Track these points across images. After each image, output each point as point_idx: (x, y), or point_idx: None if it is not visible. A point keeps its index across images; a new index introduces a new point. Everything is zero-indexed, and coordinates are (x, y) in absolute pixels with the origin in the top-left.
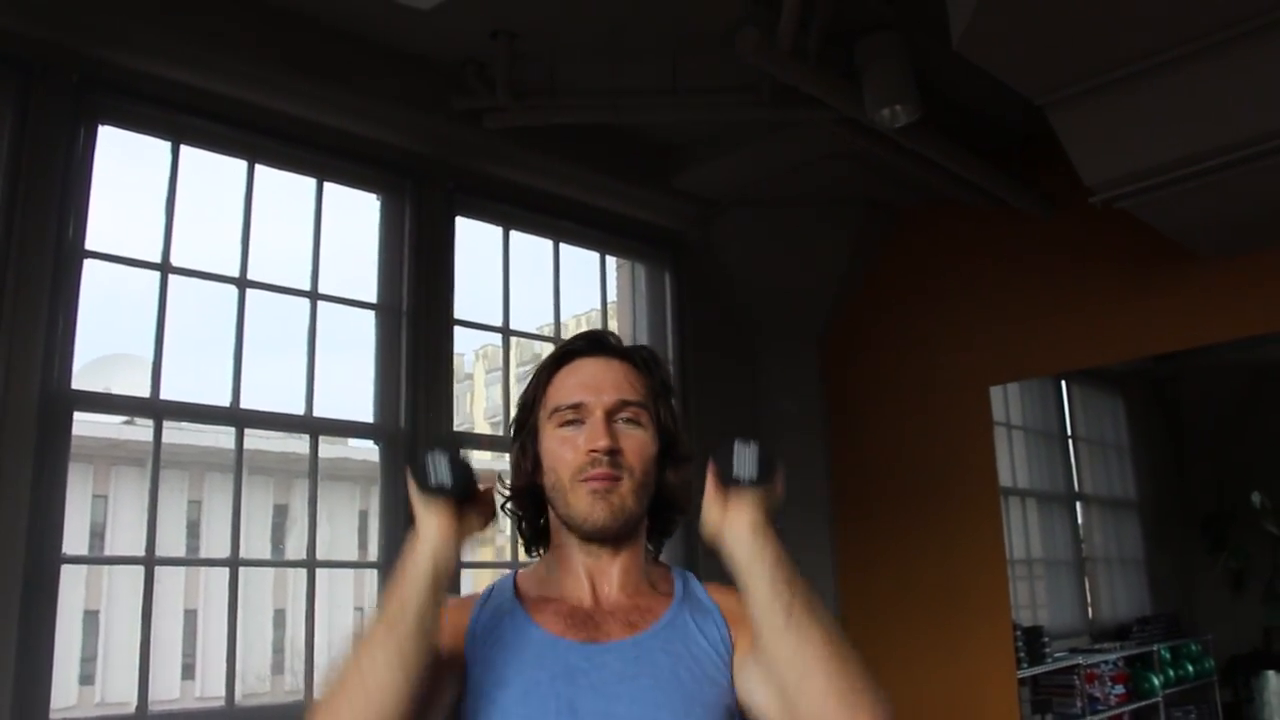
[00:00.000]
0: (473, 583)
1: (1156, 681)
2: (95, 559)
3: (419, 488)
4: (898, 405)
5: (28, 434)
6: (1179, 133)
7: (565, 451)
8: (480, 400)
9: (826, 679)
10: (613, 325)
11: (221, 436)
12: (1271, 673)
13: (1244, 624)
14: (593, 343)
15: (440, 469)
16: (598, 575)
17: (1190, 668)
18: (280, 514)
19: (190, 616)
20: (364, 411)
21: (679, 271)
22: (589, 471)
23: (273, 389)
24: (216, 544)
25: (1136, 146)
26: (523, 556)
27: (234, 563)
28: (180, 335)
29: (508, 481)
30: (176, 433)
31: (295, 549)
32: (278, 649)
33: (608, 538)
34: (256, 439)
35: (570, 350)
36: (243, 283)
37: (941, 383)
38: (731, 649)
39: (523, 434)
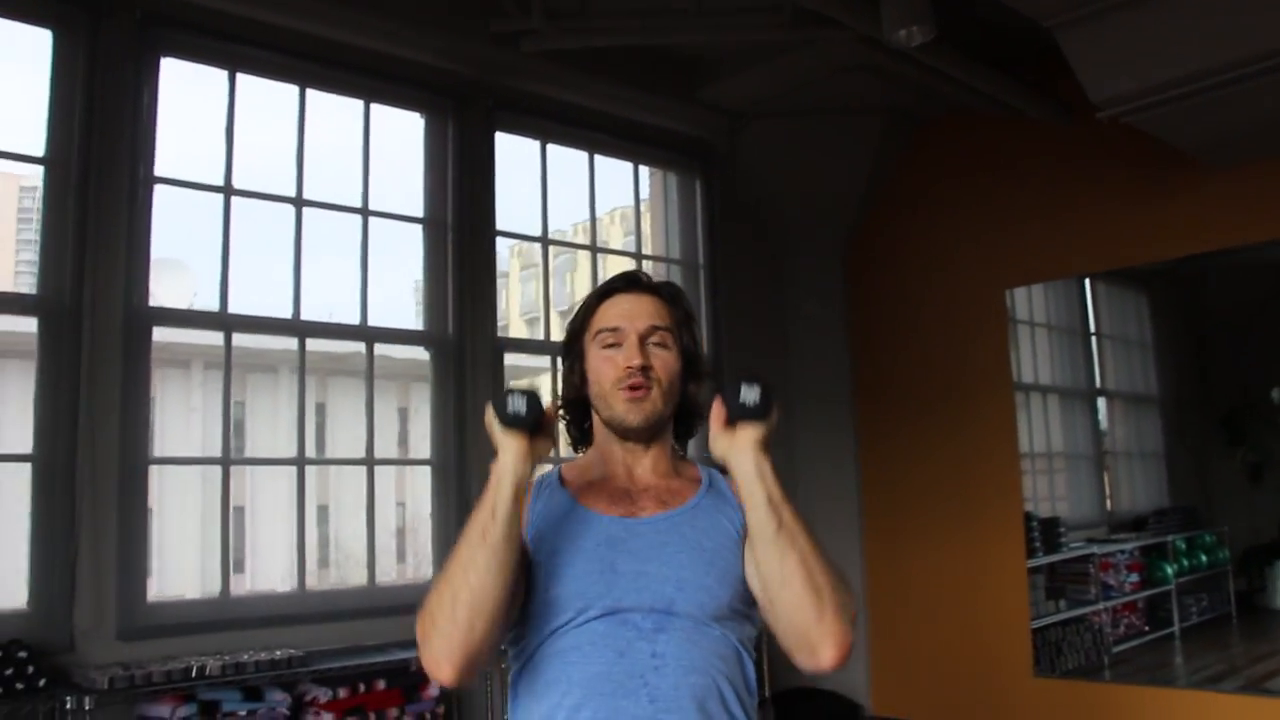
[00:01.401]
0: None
1: (1170, 570)
2: (178, 460)
3: (500, 421)
4: (918, 308)
5: (115, 348)
6: (1180, 52)
7: (607, 367)
8: (516, 298)
9: (801, 586)
10: (645, 228)
11: (265, 340)
12: None
13: (1260, 516)
14: (629, 281)
15: (518, 405)
16: (633, 464)
17: (1204, 558)
18: (320, 413)
19: (239, 514)
20: (405, 318)
21: (708, 180)
22: (626, 382)
23: (322, 298)
24: (263, 444)
25: (1140, 65)
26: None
27: (300, 461)
28: (241, 251)
29: (559, 399)
30: (217, 336)
31: (337, 447)
32: (324, 543)
33: (641, 435)
34: (281, 340)
35: (611, 288)
36: (299, 202)
37: (960, 286)
38: (743, 525)
39: (572, 355)
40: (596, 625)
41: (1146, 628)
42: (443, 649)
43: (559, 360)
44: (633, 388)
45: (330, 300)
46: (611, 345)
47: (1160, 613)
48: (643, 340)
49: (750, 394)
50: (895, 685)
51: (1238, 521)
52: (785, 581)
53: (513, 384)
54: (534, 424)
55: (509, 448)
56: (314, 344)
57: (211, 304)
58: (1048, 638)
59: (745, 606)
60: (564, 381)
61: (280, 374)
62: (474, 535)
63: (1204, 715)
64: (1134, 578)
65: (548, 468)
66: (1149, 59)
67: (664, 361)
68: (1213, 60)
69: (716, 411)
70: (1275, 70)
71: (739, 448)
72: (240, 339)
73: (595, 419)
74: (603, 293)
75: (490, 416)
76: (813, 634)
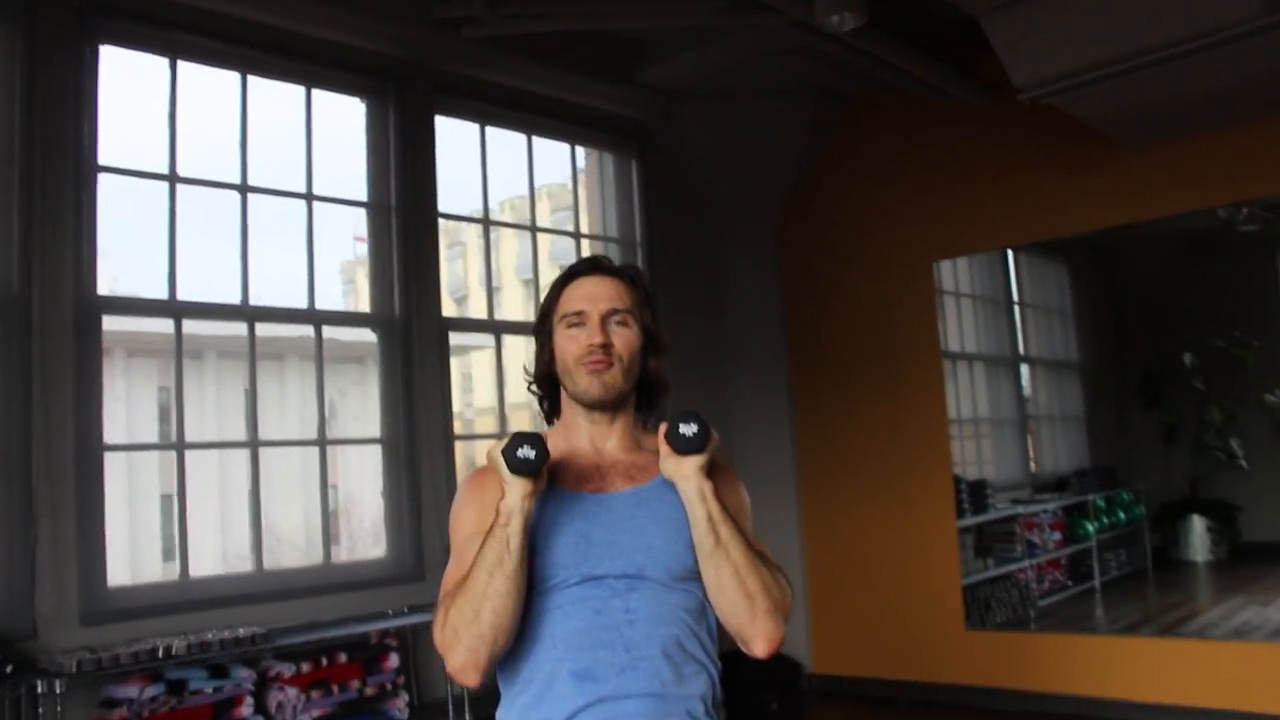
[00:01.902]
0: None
1: (1091, 528)
2: (131, 446)
3: (510, 468)
4: (850, 280)
5: (65, 337)
6: (1098, 38)
7: (571, 346)
8: (444, 277)
9: (735, 593)
10: (571, 205)
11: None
12: (1196, 516)
13: (1174, 474)
14: (592, 265)
15: (527, 453)
16: (598, 437)
17: (1122, 515)
18: (247, 398)
19: (168, 501)
20: (333, 299)
21: (644, 160)
22: (588, 358)
23: (271, 282)
24: (190, 429)
25: (1060, 50)
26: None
27: (254, 444)
28: (186, 239)
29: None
30: (137, 322)
31: (266, 429)
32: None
33: (604, 406)
34: (216, 326)
35: (575, 272)
36: (244, 188)
37: (889, 258)
38: None
39: (541, 335)
40: (574, 590)
41: (1069, 582)
42: (470, 660)
43: (501, 337)
44: (595, 363)
45: (259, 283)
46: (575, 325)
47: (1082, 568)
48: (604, 320)
49: (688, 429)
50: (834, 644)
51: (1153, 480)
52: (721, 589)
53: (517, 431)
54: (539, 469)
55: (516, 487)
56: (231, 328)
57: (146, 291)
58: (977, 594)
59: None
60: (535, 359)
61: (205, 359)
62: (491, 562)
63: (1123, 658)
64: (1057, 535)
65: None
66: (1068, 44)
67: (625, 339)
68: (1128, 46)
69: (663, 439)
70: (1187, 55)
71: (683, 475)
72: (165, 324)
73: (563, 395)
74: (568, 276)
75: (497, 459)
76: (745, 632)
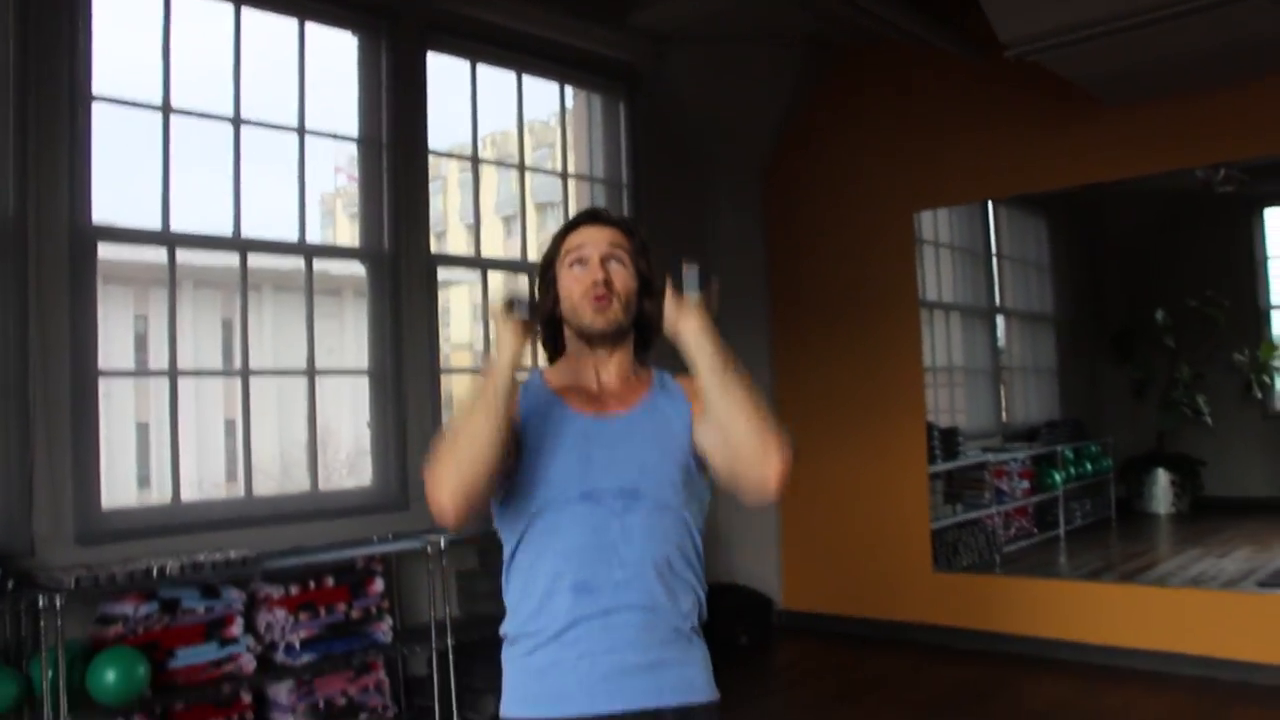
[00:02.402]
0: None
1: (1058, 478)
2: (128, 372)
3: (508, 314)
4: (832, 228)
5: (61, 265)
6: None
7: (575, 284)
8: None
9: (748, 420)
10: (556, 144)
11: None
12: (1161, 470)
13: (1142, 428)
14: (592, 216)
15: (524, 307)
16: (600, 368)
17: (1090, 466)
18: (226, 328)
19: (144, 429)
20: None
21: (633, 103)
22: (591, 294)
23: (255, 213)
24: (161, 358)
25: (1045, 8)
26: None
27: (244, 373)
28: (179, 169)
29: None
30: (199, 256)
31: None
32: (231, 456)
33: (606, 339)
34: (193, 256)
35: (577, 222)
36: (237, 121)
37: (871, 208)
38: (690, 413)
39: (545, 281)
40: (575, 508)
41: (1035, 530)
42: (444, 481)
43: (488, 273)
44: (597, 298)
45: (271, 219)
46: (578, 263)
47: (1048, 516)
48: (604, 261)
49: (690, 273)
50: (804, 581)
51: (1121, 433)
52: (734, 414)
53: (512, 291)
54: (530, 314)
55: (510, 330)
56: (209, 257)
57: (135, 221)
58: (945, 538)
59: (697, 484)
60: (539, 303)
61: (183, 288)
62: (477, 400)
63: (1084, 603)
64: (1025, 484)
65: (531, 374)
66: (1054, 3)
67: (622, 279)
68: (1116, 6)
69: (669, 292)
70: (1176, 17)
71: (685, 315)
72: (142, 252)
73: (567, 332)
74: (570, 226)
75: (498, 305)
76: (759, 454)
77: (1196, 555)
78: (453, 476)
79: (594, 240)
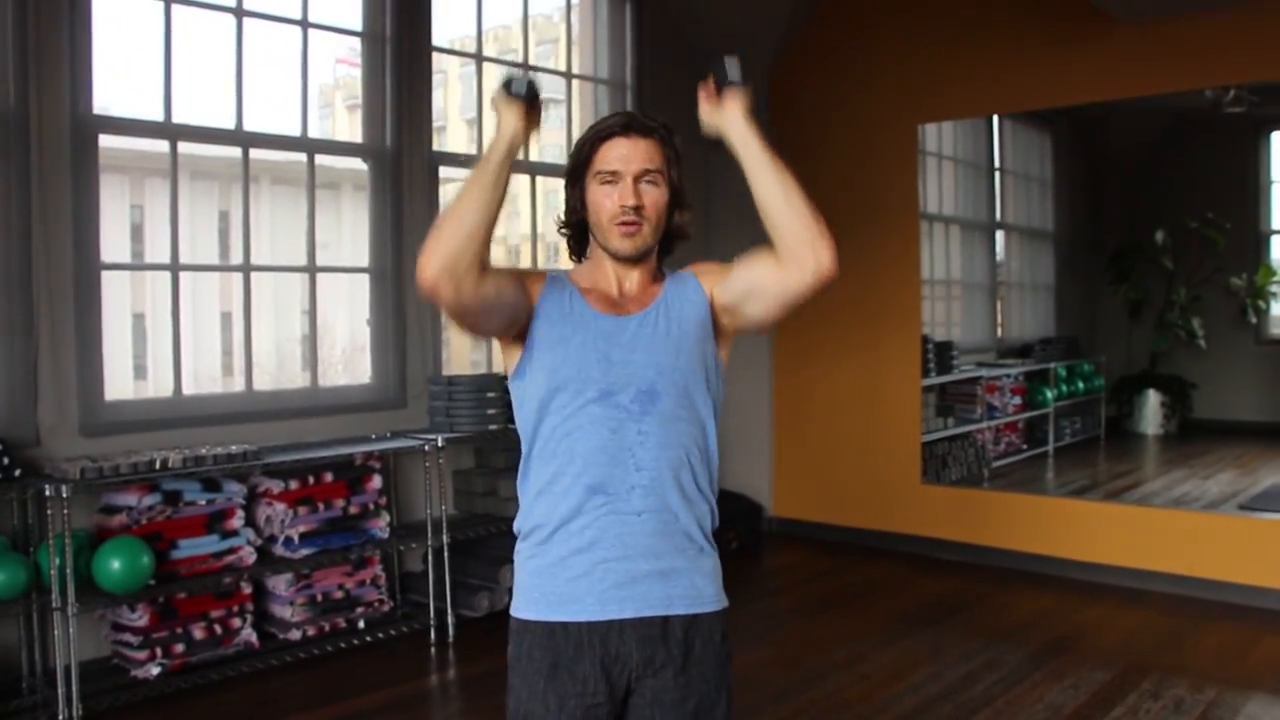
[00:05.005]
0: None
1: (1050, 395)
2: (130, 265)
3: (506, 94)
4: (835, 138)
5: (63, 155)
6: None
7: (606, 202)
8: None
9: (798, 200)
10: (573, 45)
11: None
12: (1152, 391)
13: (1135, 349)
14: (625, 125)
15: (520, 84)
16: (623, 277)
17: (1081, 385)
18: (223, 220)
19: (139, 320)
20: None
21: (638, 3)
22: (620, 218)
23: (255, 106)
24: (161, 250)
25: None
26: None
27: (246, 269)
28: (181, 62)
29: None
30: (196, 148)
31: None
32: (227, 349)
33: (631, 260)
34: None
35: (610, 131)
36: (240, 12)
37: (875, 119)
38: (703, 289)
39: (573, 185)
40: (593, 409)
41: (1025, 446)
42: (431, 251)
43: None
44: (625, 223)
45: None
46: (609, 182)
47: (1038, 433)
48: (636, 181)
49: (732, 66)
50: (795, 490)
51: (1114, 353)
52: (786, 199)
53: (509, 72)
54: (532, 100)
55: (511, 115)
56: (204, 149)
57: (135, 112)
58: (935, 451)
59: (714, 382)
60: (566, 206)
61: (181, 180)
62: (476, 180)
63: (1068, 519)
64: (1017, 400)
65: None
66: None
67: (653, 199)
68: None
69: (706, 90)
70: None
71: (728, 109)
72: (139, 144)
73: (592, 240)
74: (603, 134)
75: (498, 91)
76: (811, 234)
77: (1181, 477)
78: (439, 248)
79: (627, 158)
